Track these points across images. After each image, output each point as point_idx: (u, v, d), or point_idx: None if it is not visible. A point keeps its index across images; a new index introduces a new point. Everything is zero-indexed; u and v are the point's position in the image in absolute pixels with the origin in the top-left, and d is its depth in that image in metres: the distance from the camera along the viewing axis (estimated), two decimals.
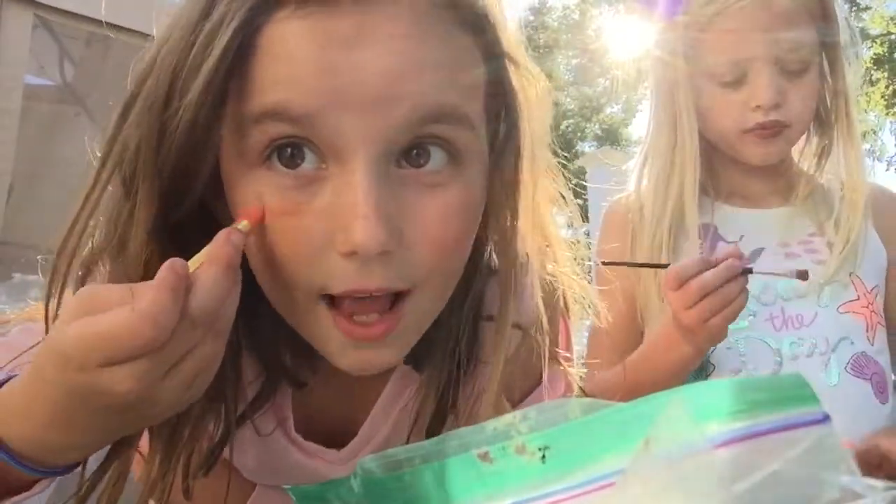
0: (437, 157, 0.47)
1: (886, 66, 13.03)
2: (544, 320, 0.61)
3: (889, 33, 13.28)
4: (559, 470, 0.37)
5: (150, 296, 0.39)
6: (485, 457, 0.38)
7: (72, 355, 0.40)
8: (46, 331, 0.51)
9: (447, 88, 0.46)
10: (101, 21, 2.44)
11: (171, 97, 0.46)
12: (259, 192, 0.47)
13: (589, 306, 0.68)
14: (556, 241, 0.65)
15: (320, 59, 0.44)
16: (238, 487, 0.69)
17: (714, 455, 0.32)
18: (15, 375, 0.47)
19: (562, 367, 0.66)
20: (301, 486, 0.43)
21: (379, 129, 0.45)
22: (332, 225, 0.46)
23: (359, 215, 0.44)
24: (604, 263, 0.97)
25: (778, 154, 1.00)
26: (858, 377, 0.94)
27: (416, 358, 0.59)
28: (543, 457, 0.37)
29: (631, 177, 1.08)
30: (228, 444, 0.59)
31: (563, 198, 0.66)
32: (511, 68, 0.53)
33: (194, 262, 0.43)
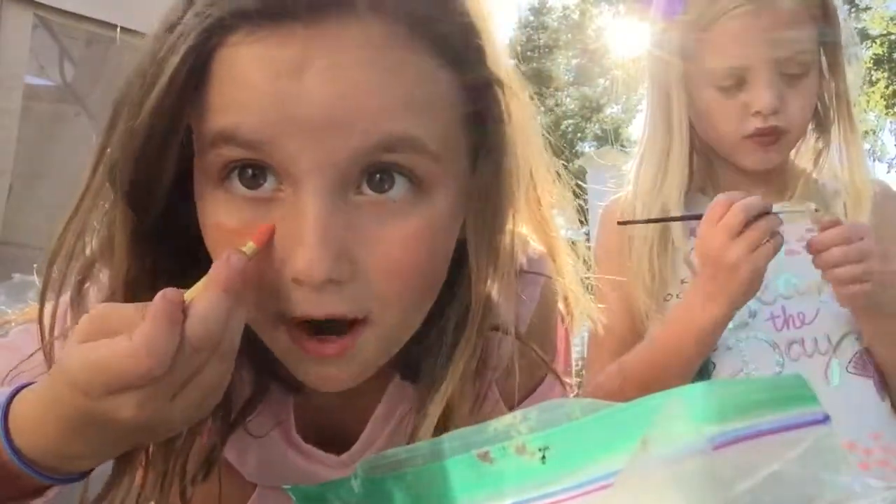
0: (399, 183, 0.47)
1: (886, 66, 13.03)
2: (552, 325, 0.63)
3: (889, 33, 13.27)
4: (559, 470, 0.37)
5: (145, 326, 0.39)
6: (485, 457, 0.38)
7: (77, 379, 0.40)
8: (42, 338, 0.52)
9: (401, 117, 0.45)
10: (101, 21, 2.44)
11: (141, 104, 0.47)
12: (217, 211, 0.47)
13: (587, 316, 0.67)
14: (558, 249, 0.64)
15: (269, 86, 0.43)
16: (239, 488, 0.69)
17: (713, 455, 0.32)
18: (28, 384, 0.47)
19: (558, 380, 0.67)
20: (301, 486, 0.43)
21: (328, 158, 0.44)
22: (284, 249, 0.45)
23: (303, 243, 0.44)
24: (620, 223, 0.99)
25: (775, 160, 1.00)
26: (860, 375, 0.94)
27: (412, 371, 0.59)
28: (543, 457, 0.37)
29: (628, 177, 1.08)
30: (225, 447, 0.59)
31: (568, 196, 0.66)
32: (496, 88, 0.51)
33: (196, 288, 0.43)
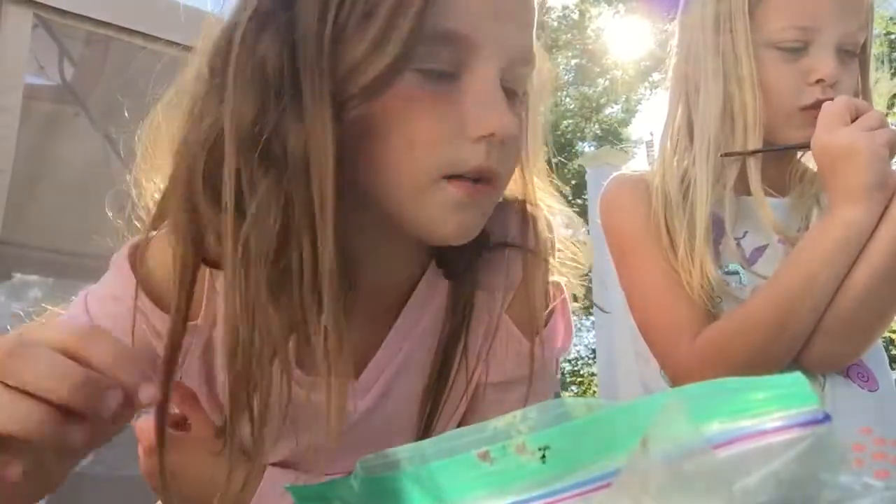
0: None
1: (887, 66, 12.99)
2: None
3: (889, 33, 13.26)
4: (559, 470, 0.37)
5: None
6: (485, 456, 0.38)
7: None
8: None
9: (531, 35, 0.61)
10: (101, 21, 2.44)
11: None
12: (403, 94, 0.55)
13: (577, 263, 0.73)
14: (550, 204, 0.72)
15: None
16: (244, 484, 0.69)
17: (713, 455, 0.32)
18: None
19: (565, 308, 0.71)
20: (301, 486, 0.43)
21: (506, 43, 0.58)
22: (463, 115, 0.56)
23: (496, 108, 0.56)
24: (724, 155, 0.94)
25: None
26: (837, 374, 0.92)
27: (450, 267, 0.67)
28: (544, 456, 0.37)
29: (656, 158, 1.03)
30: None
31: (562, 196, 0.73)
32: (539, 34, 0.64)
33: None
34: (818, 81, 0.91)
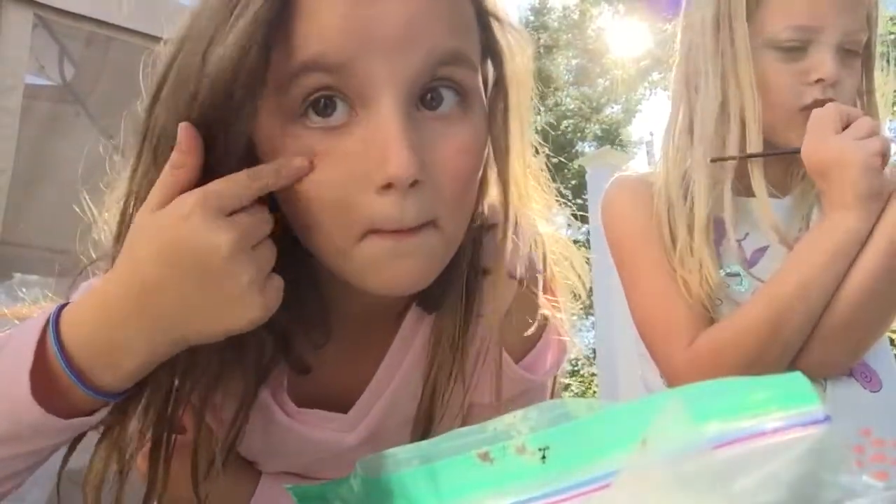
0: (448, 99, 0.53)
1: (886, 66, 13.00)
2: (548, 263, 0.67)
3: (889, 33, 13.26)
4: (559, 470, 0.37)
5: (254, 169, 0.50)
6: (485, 457, 0.38)
7: (191, 206, 0.48)
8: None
9: (453, 35, 0.52)
10: (101, 21, 2.44)
11: (204, 64, 0.50)
12: (294, 144, 0.51)
13: (571, 266, 0.71)
14: (532, 196, 0.68)
15: (349, 13, 0.49)
16: (245, 482, 0.70)
17: (713, 455, 0.32)
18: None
19: (555, 327, 0.69)
20: (301, 486, 0.43)
21: (402, 72, 0.50)
22: (365, 165, 0.50)
23: (391, 149, 0.49)
24: (713, 160, 0.93)
25: None
26: (840, 375, 0.92)
27: (427, 302, 0.64)
28: (544, 457, 0.37)
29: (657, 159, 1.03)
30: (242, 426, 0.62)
31: (558, 195, 0.70)
32: (496, 25, 0.58)
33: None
34: (818, 81, 0.91)
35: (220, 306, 0.49)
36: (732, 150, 0.95)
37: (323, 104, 0.51)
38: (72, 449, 0.56)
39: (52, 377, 0.50)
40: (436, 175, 0.52)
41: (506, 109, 0.59)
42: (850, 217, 0.83)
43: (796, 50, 0.92)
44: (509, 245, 0.61)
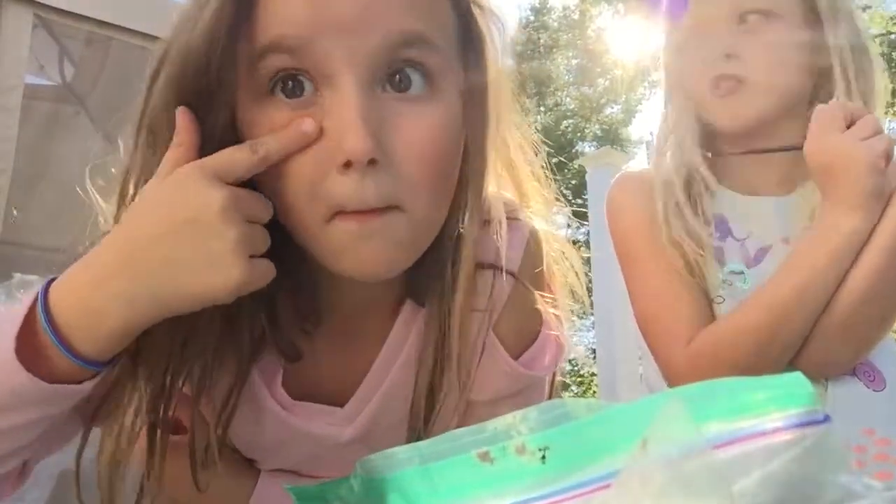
0: (416, 81, 0.54)
1: (886, 66, 13.00)
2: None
3: (889, 33, 13.27)
4: (559, 470, 0.37)
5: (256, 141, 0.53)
6: (485, 457, 0.38)
7: (189, 169, 0.51)
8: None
9: (414, 17, 0.53)
10: (101, 21, 2.44)
11: (184, 52, 0.53)
12: (265, 120, 0.53)
13: (566, 260, 0.72)
14: (528, 194, 0.70)
15: None
16: (244, 480, 0.70)
17: (713, 455, 0.32)
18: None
19: (553, 325, 0.69)
20: (300, 486, 0.43)
21: (358, 52, 0.51)
22: (328, 143, 0.52)
23: (348, 127, 0.50)
24: (713, 156, 0.96)
25: (741, 113, 0.95)
26: (847, 372, 0.92)
27: (418, 295, 0.65)
28: (544, 457, 0.37)
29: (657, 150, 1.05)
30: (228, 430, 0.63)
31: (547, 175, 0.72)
32: (477, 11, 0.60)
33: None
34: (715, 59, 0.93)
35: (204, 265, 0.50)
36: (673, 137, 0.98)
37: (291, 85, 0.53)
38: (82, 447, 0.57)
39: (39, 344, 0.51)
40: (399, 156, 0.53)
41: (484, 96, 0.60)
42: (853, 217, 0.82)
43: (701, 35, 0.96)
44: (501, 241, 0.62)
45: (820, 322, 0.85)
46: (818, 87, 0.96)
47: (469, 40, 0.60)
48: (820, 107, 0.85)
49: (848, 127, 0.82)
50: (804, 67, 0.95)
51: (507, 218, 0.66)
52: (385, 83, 0.54)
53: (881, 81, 0.98)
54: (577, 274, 0.71)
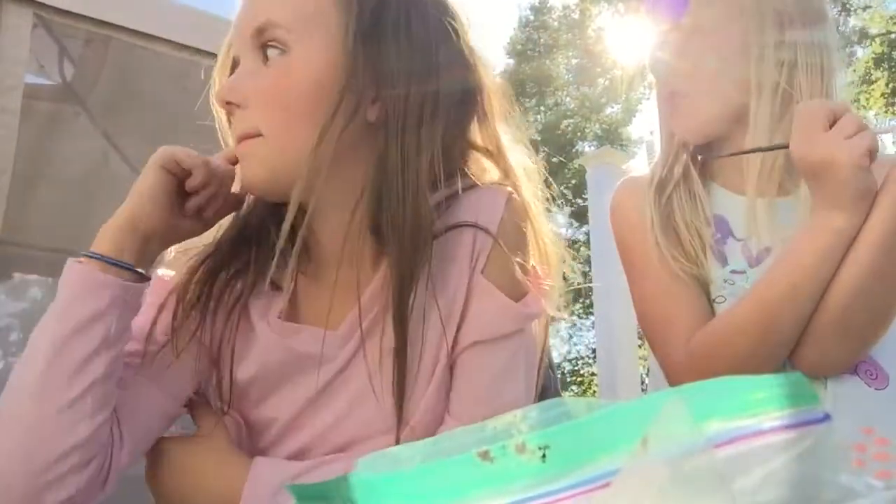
0: (272, 53, 0.74)
1: (886, 65, 13.01)
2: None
3: (889, 33, 13.26)
4: (560, 469, 0.37)
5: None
6: (485, 456, 0.38)
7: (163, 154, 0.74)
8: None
9: (270, 11, 0.74)
10: (101, 21, 2.44)
11: None
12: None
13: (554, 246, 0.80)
14: (509, 167, 0.81)
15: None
16: (238, 473, 0.72)
17: (713, 454, 0.32)
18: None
19: (538, 275, 0.78)
20: (300, 485, 0.43)
21: (242, 34, 0.75)
22: None
23: (220, 77, 0.81)
24: (701, 159, 0.98)
25: (683, 124, 0.98)
26: (846, 370, 0.91)
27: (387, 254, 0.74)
28: (544, 456, 0.37)
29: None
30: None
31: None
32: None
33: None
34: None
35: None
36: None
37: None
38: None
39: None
40: (252, 101, 0.74)
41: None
42: (839, 217, 0.83)
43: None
44: (479, 203, 0.75)
45: (813, 321, 0.86)
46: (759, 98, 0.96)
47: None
48: (801, 107, 0.84)
49: (830, 125, 0.82)
50: (745, 82, 0.96)
51: (488, 184, 0.79)
52: (258, 54, 0.75)
53: (842, 84, 0.98)
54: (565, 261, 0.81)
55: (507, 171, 0.81)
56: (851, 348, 0.90)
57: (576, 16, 16.90)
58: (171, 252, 0.79)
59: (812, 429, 0.32)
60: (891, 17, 13.36)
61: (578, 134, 15.95)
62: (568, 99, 16.80)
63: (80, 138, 3.16)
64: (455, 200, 0.76)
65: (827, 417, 0.33)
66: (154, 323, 0.75)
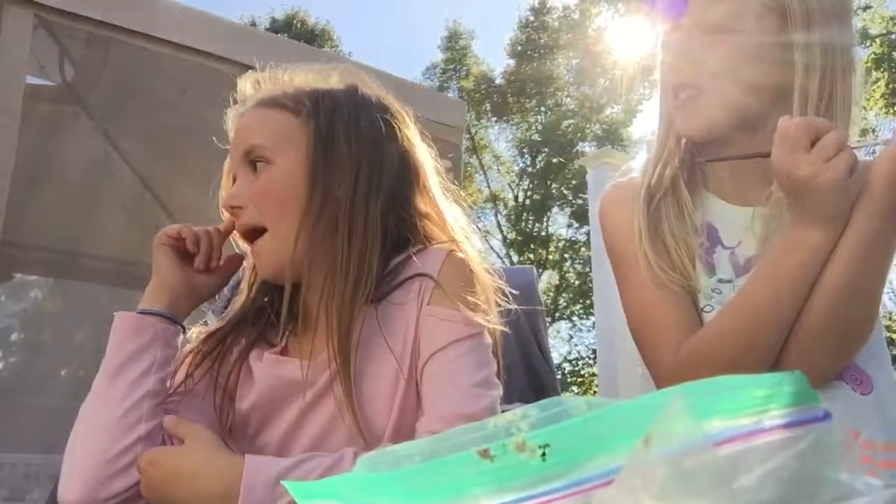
0: (259, 165, 0.93)
1: (886, 66, 13.02)
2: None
3: (889, 33, 13.26)
4: (560, 467, 0.37)
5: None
6: (485, 454, 0.38)
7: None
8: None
9: (254, 137, 0.94)
10: (101, 21, 2.44)
11: None
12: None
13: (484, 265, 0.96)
14: (456, 240, 0.97)
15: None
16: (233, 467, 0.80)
17: (714, 453, 0.32)
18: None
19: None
20: (300, 484, 0.43)
21: (236, 153, 0.96)
22: None
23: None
24: (705, 161, 0.99)
25: (694, 122, 0.97)
26: (830, 379, 0.92)
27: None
28: (544, 454, 0.37)
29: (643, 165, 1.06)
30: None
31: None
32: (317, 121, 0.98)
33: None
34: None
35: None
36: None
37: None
38: None
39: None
40: (251, 203, 0.92)
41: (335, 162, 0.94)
42: (816, 233, 0.84)
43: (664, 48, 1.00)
44: (422, 261, 0.91)
45: (794, 331, 0.87)
46: (775, 105, 0.95)
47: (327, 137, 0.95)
48: (783, 123, 0.84)
49: (812, 143, 0.82)
50: (760, 86, 0.95)
51: (435, 245, 0.96)
52: (249, 168, 0.94)
53: (860, 96, 0.98)
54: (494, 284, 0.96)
55: (447, 233, 0.98)
56: (833, 359, 0.91)
57: (576, 16, 16.90)
58: (194, 331, 0.98)
59: (812, 427, 0.32)
60: (891, 18, 13.36)
61: (579, 134, 15.95)
62: (568, 99, 16.80)
63: (80, 139, 3.16)
64: (409, 260, 0.93)
65: (827, 416, 0.33)
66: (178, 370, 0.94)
